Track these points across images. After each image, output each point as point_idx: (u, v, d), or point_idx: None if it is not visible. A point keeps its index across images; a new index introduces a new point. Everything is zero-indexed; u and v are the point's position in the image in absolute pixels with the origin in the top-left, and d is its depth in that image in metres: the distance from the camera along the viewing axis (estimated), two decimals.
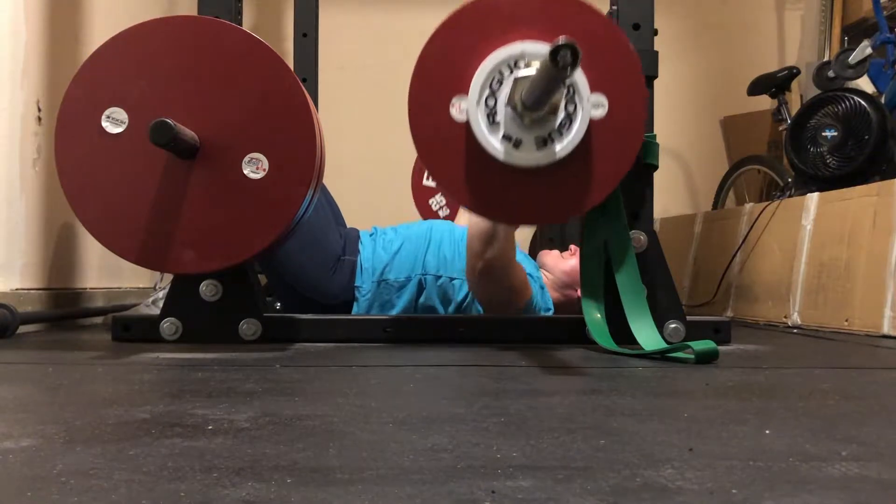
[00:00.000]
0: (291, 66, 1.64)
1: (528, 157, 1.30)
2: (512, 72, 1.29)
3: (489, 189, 1.34)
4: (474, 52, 1.31)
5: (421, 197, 2.53)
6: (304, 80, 2.01)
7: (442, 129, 1.32)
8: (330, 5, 2.79)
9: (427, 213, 2.52)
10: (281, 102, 1.39)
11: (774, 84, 3.02)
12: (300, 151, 1.39)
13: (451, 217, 2.45)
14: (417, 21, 3.61)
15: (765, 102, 3.27)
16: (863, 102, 2.37)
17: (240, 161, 1.38)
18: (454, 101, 1.31)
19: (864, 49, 2.63)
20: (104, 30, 2.00)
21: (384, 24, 3.56)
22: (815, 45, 3.67)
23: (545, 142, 1.30)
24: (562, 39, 1.00)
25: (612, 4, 1.56)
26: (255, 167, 1.38)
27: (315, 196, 1.49)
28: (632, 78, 1.33)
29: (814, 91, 2.83)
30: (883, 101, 2.43)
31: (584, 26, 1.33)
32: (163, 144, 1.28)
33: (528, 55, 1.29)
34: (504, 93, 1.29)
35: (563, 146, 1.30)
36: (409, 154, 2.51)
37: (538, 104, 1.25)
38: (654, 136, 1.51)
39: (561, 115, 1.29)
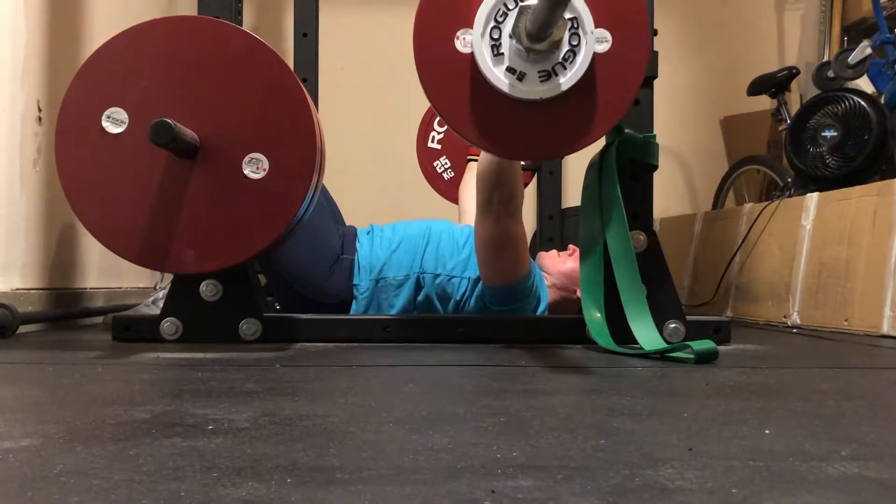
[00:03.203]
0: (291, 66, 1.64)
1: (532, 89, 1.30)
2: (517, 4, 1.29)
3: (493, 122, 1.33)
4: None
5: (425, 159, 2.54)
6: (304, 81, 2.00)
7: (447, 62, 1.32)
8: (330, 5, 2.79)
9: (431, 175, 2.52)
10: (281, 102, 1.39)
11: (774, 84, 3.02)
12: (300, 151, 1.39)
13: (457, 179, 2.45)
14: None
15: (765, 102, 3.27)
16: (862, 102, 2.37)
17: (240, 161, 1.38)
18: (459, 33, 1.32)
19: (864, 49, 2.63)
20: (104, 30, 2.00)
21: (384, 24, 3.56)
22: (815, 45, 3.67)
23: (549, 75, 1.30)
24: None
25: None
26: (255, 167, 1.38)
27: (315, 196, 1.50)
28: (636, 14, 1.33)
29: (814, 91, 2.83)
30: (882, 101, 2.43)
31: None
32: (163, 144, 1.28)
33: None
34: (508, 25, 1.29)
35: (566, 79, 1.30)
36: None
37: (543, 31, 1.24)
38: (654, 136, 1.51)
39: (564, 48, 1.30)
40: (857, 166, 2.34)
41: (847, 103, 2.40)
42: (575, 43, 1.30)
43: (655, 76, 1.53)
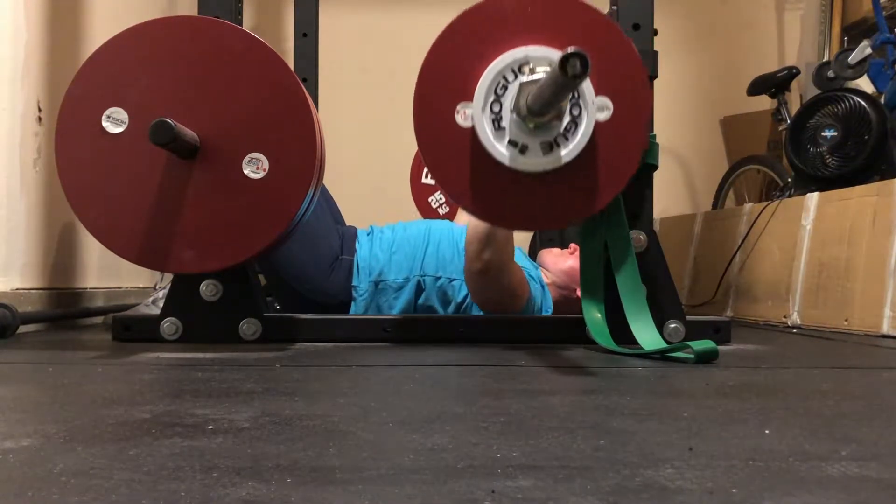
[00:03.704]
0: (291, 66, 1.64)
1: (534, 162, 1.30)
2: (517, 77, 1.29)
3: (495, 194, 1.34)
4: (477, 57, 1.31)
5: (420, 195, 2.53)
6: (304, 80, 2.00)
7: (447, 135, 1.32)
8: (330, 5, 2.79)
9: (426, 210, 2.52)
10: (281, 102, 1.39)
11: (774, 84, 3.01)
12: (300, 151, 1.39)
13: (451, 215, 2.45)
14: (418, 21, 3.62)
15: (765, 102, 3.27)
16: (862, 102, 2.37)
17: (240, 161, 1.38)
18: (459, 107, 1.32)
19: (864, 49, 2.63)
20: (104, 30, 2.00)
21: (384, 24, 3.56)
22: (815, 45, 3.67)
23: (551, 147, 1.30)
24: (571, 48, 1.01)
25: (612, 4, 1.56)
26: (255, 167, 1.38)
27: (315, 196, 1.49)
28: (636, 79, 1.33)
29: (814, 91, 2.83)
30: (883, 101, 2.43)
31: (587, 28, 1.33)
32: (163, 144, 1.28)
33: (533, 59, 1.29)
34: (509, 98, 1.29)
35: (568, 151, 1.30)
36: (409, 154, 2.53)
37: (545, 110, 1.25)
38: (654, 136, 1.51)
39: (566, 119, 1.30)
40: (857, 166, 2.34)
41: (847, 103, 2.40)
42: (576, 113, 1.30)
43: (655, 76, 1.53)
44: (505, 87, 1.29)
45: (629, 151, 1.34)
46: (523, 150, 1.29)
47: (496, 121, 1.30)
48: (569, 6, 1.35)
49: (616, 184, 1.35)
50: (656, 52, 1.53)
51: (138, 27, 1.39)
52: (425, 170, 2.50)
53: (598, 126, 1.31)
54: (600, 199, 1.35)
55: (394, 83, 3.45)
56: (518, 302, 1.72)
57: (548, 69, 1.27)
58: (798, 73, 3.03)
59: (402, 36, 3.57)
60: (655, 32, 1.53)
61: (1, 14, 1.71)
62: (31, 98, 1.80)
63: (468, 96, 1.31)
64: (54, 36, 1.90)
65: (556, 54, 1.29)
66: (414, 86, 1.36)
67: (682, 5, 3.58)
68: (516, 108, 1.29)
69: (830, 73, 2.76)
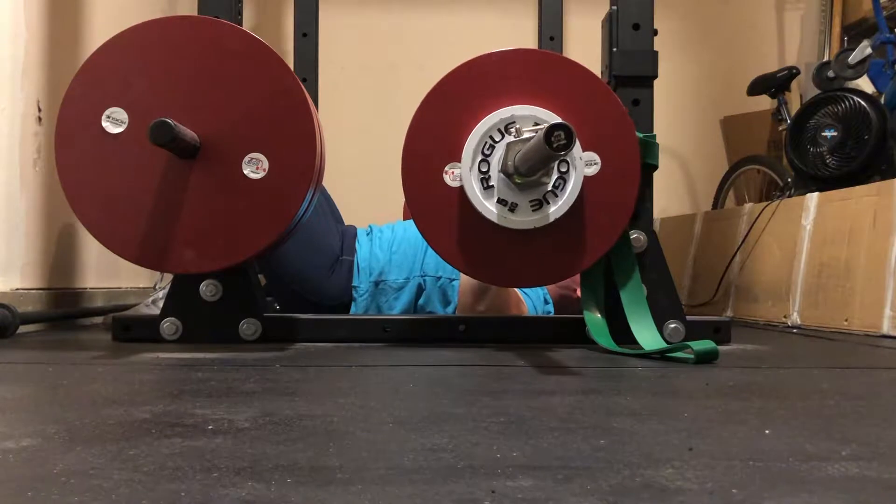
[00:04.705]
0: (291, 66, 1.64)
1: (524, 219, 1.32)
2: (503, 136, 1.30)
3: (484, 251, 1.36)
4: (464, 118, 1.33)
5: None
6: (304, 80, 2.01)
7: (436, 195, 1.35)
8: (330, 5, 2.79)
9: None
10: (281, 102, 1.39)
11: (774, 84, 3.02)
12: (300, 151, 1.39)
13: None
14: (417, 21, 3.63)
15: (765, 102, 3.27)
16: (863, 102, 2.37)
17: (240, 161, 1.38)
18: (447, 168, 1.33)
19: (864, 49, 2.63)
20: (104, 30, 2.00)
21: (384, 24, 3.56)
22: (815, 45, 3.67)
23: (540, 204, 1.31)
24: (556, 120, 1.02)
25: (612, 4, 1.56)
26: (255, 167, 1.38)
27: (315, 196, 1.49)
28: (622, 132, 1.35)
29: (814, 91, 2.83)
30: (883, 101, 2.43)
31: (572, 84, 1.34)
32: (163, 144, 1.28)
33: (518, 119, 1.30)
34: (497, 157, 1.31)
35: (557, 207, 1.32)
36: None
37: (532, 173, 1.26)
38: (654, 136, 1.51)
39: (554, 175, 1.31)
40: (857, 166, 2.34)
41: (847, 103, 2.40)
42: (564, 170, 1.31)
43: (655, 76, 1.53)
44: (492, 147, 1.31)
45: (618, 205, 1.35)
46: (513, 208, 1.31)
47: (484, 180, 1.31)
48: (552, 63, 1.36)
49: (606, 239, 1.37)
50: (656, 52, 1.53)
51: (138, 27, 1.39)
52: None
53: (587, 180, 1.33)
54: (590, 255, 1.37)
55: (394, 83, 3.46)
56: None
57: (533, 128, 1.28)
58: (798, 73, 3.03)
59: (402, 36, 3.57)
60: (655, 32, 1.53)
61: (1, 14, 1.71)
62: (31, 98, 1.80)
63: (456, 157, 1.32)
64: (54, 36, 1.90)
65: (541, 112, 1.31)
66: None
67: (682, 5, 3.58)
68: (504, 168, 1.30)
69: (830, 73, 2.76)
